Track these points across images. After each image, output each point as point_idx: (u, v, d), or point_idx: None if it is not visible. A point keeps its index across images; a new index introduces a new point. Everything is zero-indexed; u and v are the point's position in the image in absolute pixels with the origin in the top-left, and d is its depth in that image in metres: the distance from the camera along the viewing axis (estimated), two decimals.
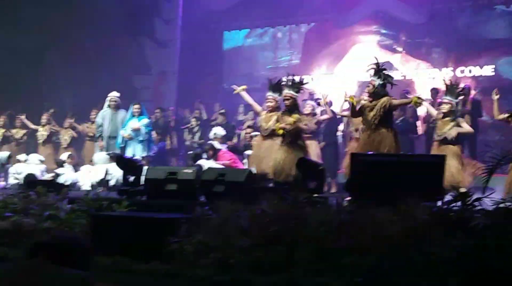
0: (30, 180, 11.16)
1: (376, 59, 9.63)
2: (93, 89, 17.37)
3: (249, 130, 13.80)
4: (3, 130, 15.64)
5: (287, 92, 9.85)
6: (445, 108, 10.30)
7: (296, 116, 9.70)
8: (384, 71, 9.51)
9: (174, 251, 6.49)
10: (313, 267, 5.56)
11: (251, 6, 18.90)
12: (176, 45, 20.37)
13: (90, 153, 14.17)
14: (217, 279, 5.80)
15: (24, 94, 17.09)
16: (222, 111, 15.78)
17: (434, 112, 11.06)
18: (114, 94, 13.34)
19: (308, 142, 11.72)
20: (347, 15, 18.38)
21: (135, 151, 12.80)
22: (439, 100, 13.96)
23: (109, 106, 13.35)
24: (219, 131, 13.19)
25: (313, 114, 12.24)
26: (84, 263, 2.80)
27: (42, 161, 13.69)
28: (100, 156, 12.98)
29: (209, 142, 13.00)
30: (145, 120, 13.00)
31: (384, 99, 9.26)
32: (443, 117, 10.35)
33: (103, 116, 13.35)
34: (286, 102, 9.83)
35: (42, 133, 15.22)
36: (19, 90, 17.10)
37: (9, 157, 13.97)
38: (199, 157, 12.37)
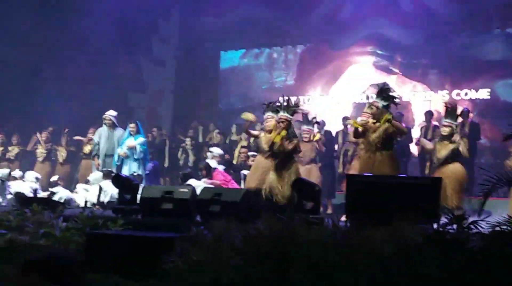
0: (24, 198, 11.15)
1: (387, 85, 9.62)
2: (88, 106, 17.44)
3: (243, 150, 13.83)
4: (1, 148, 15.66)
5: (282, 114, 9.86)
6: (445, 131, 10.32)
7: (278, 137, 9.68)
8: (388, 92, 9.49)
9: (169, 270, 6.48)
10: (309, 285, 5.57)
11: (247, 27, 19.00)
12: (172, 64, 20.43)
13: (86, 171, 14.18)
14: None
15: (18, 110, 17.09)
16: (218, 131, 15.83)
17: (429, 146, 11.13)
18: (109, 113, 13.38)
19: (308, 166, 11.76)
20: (343, 37, 18.45)
21: (130, 169, 12.82)
22: (434, 123, 14.05)
23: (105, 124, 13.40)
24: (216, 150, 13.22)
25: (309, 139, 12.22)
26: (76, 280, 2.81)
27: (38, 179, 13.68)
28: (96, 175, 13.00)
29: (206, 160, 13.03)
30: (141, 139, 13.04)
31: (387, 125, 9.24)
32: (442, 140, 10.37)
33: (100, 134, 13.39)
34: (281, 124, 9.84)
35: (42, 151, 15.24)
36: (13, 106, 17.10)
37: (9, 174, 13.98)
38: (188, 177, 12.38)
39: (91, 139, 14.29)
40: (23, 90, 17.32)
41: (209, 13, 19.71)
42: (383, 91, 9.47)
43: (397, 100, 9.71)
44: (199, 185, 11.36)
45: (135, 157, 12.92)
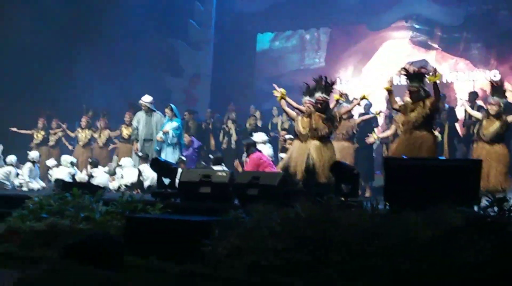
0: (64, 182, 11.28)
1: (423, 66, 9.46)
2: (126, 90, 17.57)
3: (283, 132, 13.80)
4: (42, 132, 15.85)
5: (319, 95, 9.80)
6: (493, 109, 10.10)
7: (320, 120, 9.65)
8: (422, 74, 9.28)
9: (207, 253, 6.52)
10: (344, 269, 5.55)
11: (283, 9, 18.89)
12: (209, 47, 20.45)
13: (123, 155, 14.31)
14: (250, 281, 5.81)
15: (57, 95, 17.27)
16: (257, 114, 15.80)
17: (477, 114, 10.98)
18: (144, 99, 13.44)
19: (343, 143, 11.69)
20: (380, 18, 18.18)
21: (166, 154, 12.88)
22: (478, 103, 13.70)
23: (142, 109, 13.50)
24: (260, 136, 13.08)
25: (350, 116, 12.17)
26: (116, 263, 2.83)
27: (73, 163, 13.82)
28: (127, 160, 13.12)
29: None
30: (174, 123, 13.07)
31: (430, 100, 9.08)
32: (489, 117, 10.20)
33: (138, 119, 13.48)
34: (319, 105, 9.79)
35: (83, 135, 15.40)
36: (52, 91, 17.29)
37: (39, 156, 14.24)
38: (219, 160, 12.36)
39: (129, 124, 14.42)
40: (61, 75, 17.48)
41: None
42: (417, 75, 9.25)
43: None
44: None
45: (168, 142, 12.98)
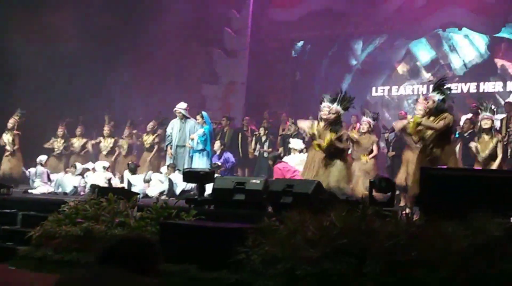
0: (100, 187, 11.36)
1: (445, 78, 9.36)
2: (162, 98, 17.67)
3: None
4: (62, 141, 15.75)
5: (334, 107, 9.86)
6: None
7: (329, 137, 9.64)
8: (444, 86, 9.19)
9: (242, 261, 6.51)
10: (382, 280, 5.49)
11: (318, 17, 18.83)
12: (244, 55, 20.48)
13: (143, 163, 14.43)
14: None
15: (93, 102, 17.40)
16: (293, 121, 15.77)
17: None
18: (179, 106, 13.49)
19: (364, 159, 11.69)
20: (416, 28, 18.01)
21: (194, 161, 12.91)
22: None
23: (177, 116, 13.55)
24: (296, 144, 13.03)
25: (370, 131, 12.09)
26: (154, 269, 2.81)
27: (106, 168, 13.90)
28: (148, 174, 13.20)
29: (278, 152, 12.94)
30: (201, 130, 13.08)
31: (449, 117, 8.94)
32: None
33: (172, 125, 13.53)
34: (331, 115, 9.82)
35: (105, 144, 15.43)
36: (88, 98, 17.43)
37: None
38: (278, 158, 12.22)
39: (152, 132, 14.57)
40: (97, 84, 17.62)
41: (281, 4, 19.66)
42: (440, 85, 9.15)
43: (450, 93, 9.36)
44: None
45: (194, 148, 13.02)
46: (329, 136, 9.65)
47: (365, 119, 12.10)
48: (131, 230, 7.99)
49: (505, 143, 12.68)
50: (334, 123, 9.83)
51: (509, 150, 12.32)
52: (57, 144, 15.61)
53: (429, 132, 8.95)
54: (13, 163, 14.64)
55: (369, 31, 19.06)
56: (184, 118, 13.44)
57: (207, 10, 19.14)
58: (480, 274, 5.00)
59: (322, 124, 10.12)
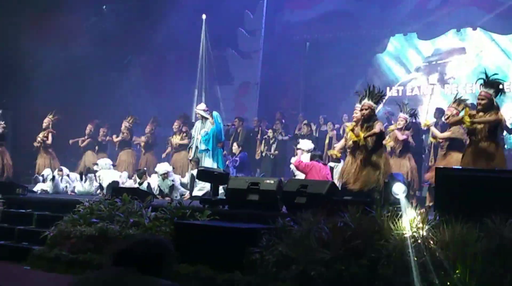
0: (115, 187, 11.38)
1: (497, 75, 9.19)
2: (176, 99, 17.71)
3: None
4: (89, 139, 15.89)
5: (366, 102, 9.68)
6: None
7: (362, 134, 9.49)
8: (496, 81, 9.01)
9: (256, 262, 6.51)
10: (396, 282, 5.48)
11: (333, 18, 18.79)
12: (258, 56, 20.48)
13: (177, 163, 14.39)
14: None
15: (109, 104, 17.47)
16: (306, 122, 15.74)
17: None
18: (198, 107, 13.49)
19: (401, 156, 11.54)
20: (430, 27, 17.91)
21: (204, 161, 12.85)
22: None
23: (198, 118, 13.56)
24: (304, 144, 12.95)
25: (407, 127, 11.90)
26: (168, 271, 2.81)
27: (113, 166, 13.89)
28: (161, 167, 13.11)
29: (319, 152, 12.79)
30: (203, 131, 13.03)
31: (498, 114, 8.81)
32: None
33: (196, 127, 13.50)
34: (364, 111, 9.65)
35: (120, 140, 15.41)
36: (104, 100, 17.50)
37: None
38: (318, 156, 12.09)
39: (178, 131, 14.50)
40: (112, 85, 17.70)
41: (295, 5, 19.65)
42: (490, 81, 8.97)
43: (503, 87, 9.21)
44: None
45: (199, 148, 12.98)
46: (362, 134, 9.46)
47: (402, 115, 11.94)
48: (145, 230, 8.02)
49: None
50: (369, 119, 9.62)
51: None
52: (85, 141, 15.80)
53: (480, 127, 8.84)
54: (48, 159, 14.82)
55: (383, 32, 19.00)
56: (203, 119, 13.41)
57: (221, 11, 19.15)
58: (494, 277, 4.96)
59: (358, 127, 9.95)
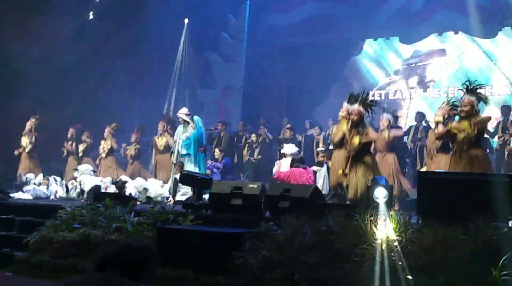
0: (97, 193, 11.31)
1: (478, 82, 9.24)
2: (159, 103, 17.67)
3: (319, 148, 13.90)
4: (70, 142, 15.77)
5: (356, 107, 9.73)
6: None
7: (357, 139, 9.53)
8: (478, 89, 9.07)
9: (239, 266, 6.50)
10: (379, 285, 5.49)
11: (316, 22, 18.83)
12: (241, 60, 20.47)
13: (161, 166, 14.34)
14: None
15: (92, 108, 17.39)
16: (289, 126, 15.76)
17: None
18: (181, 111, 13.44)
19: (384, 154, 11.55)
20: (413, 30, 17.98)
21: (186, 165, 12.81)
22: None
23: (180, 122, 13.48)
24: (289, 148, 12.95)
25: (390, 127, 11.98)
26: (151, 275, 2.80)
27: (94, 172, 13.82)
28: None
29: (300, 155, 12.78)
30: (184, 135, 12.98)
31: (480, 118, 8.86)
32: None
33: (177, 131, 13.44)
34: (354, 117, 9.69)
35: (104, 146, 15.28)
36: (87, 104, 17.41)
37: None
38: (299, 161, 12.05)
39: (162, 133, 14.45)
40: (95, 89, 17.61)
41: (278, 9, 19.67)
42: (473, 87, 9.05)
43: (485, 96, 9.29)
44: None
45: (180, 153, 12.94)
46: (357, 140, 9.51)
47: (385, 115, 12.00)
48: (128, 235, 7.97)
49: (500, 143, 12.76)
50: (358, 124, 9.67)
51: (506, 152, 12.34)
52: (67, 145, 15.68)
53: (462, 135, 8.87)
54: (31, 164, 14.71)
55: (365, 36, 19.09)
56: (185, 123, 13.37)
57: (204, 15, 19.16)
58: (478, 280, 4.99)
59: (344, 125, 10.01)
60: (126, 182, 12.74)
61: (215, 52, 20.44)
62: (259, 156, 15.62)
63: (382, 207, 6.69)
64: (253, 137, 15.91)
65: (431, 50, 18.15)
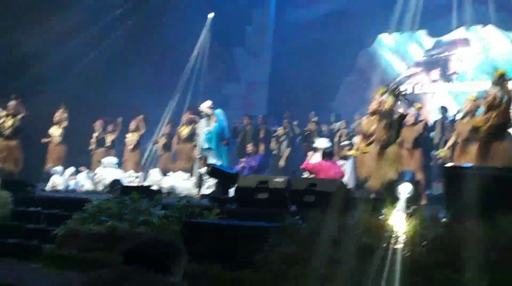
0: (123, 186, 11.38)
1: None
2: (184, 97, 17.74)
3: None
4: (97, 134, 15.82)
5: (386, 97, 9.70)
6: None
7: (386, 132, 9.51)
8: (505, 80, 8.94)
9: (265, 260, 6.50)
10: (405, 281, 5.46)
11: (341, 16, 18.75)
12: (267, 53, 20.46)
13: (183, 156, 14.39)
14: None
15: (115, 101, 17.46)
16: (315, 119, 15.73)
17: None
18: (203, 104, 13.43)
19: (411, 150, 11.45)
20: (439, 23, 17.80)
21: (210, 159, 12.81)
22: None
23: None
24: (321, 143, 12.84)
25: (416, 123, 11.90)
26: (178, 269, 2.81)
27: (117, 164, 13.86)
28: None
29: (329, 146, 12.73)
30: (206, 129, 12.97)
31: (502, 109, 8.76)
32: None
33: (200, 125, 13.47)
34: (385, 106, 9.68)
35: (131, 138, 15.30)
36: (110, 97, 17.49)
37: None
38: (330, 155, 11.99)
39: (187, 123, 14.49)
40: (119, 83, 17.70)
41: (303, 3, 19.60)
42: (500, 77, 8.91)
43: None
44: None
45: (202, 147, 12.95)
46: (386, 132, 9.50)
47: (411, 111, 11.91)
48: (154, 229, 8.01)
49: None
50: (388, 114, 9.65)
51: None
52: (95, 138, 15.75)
53: (485, 128, 8.77)
54: (60, 156, 14.86)
55: (392, 29, 18.92)
56: (208, 116, 13.37)
57: (228, 9, 19.16)
58: (508, 276, 4.94)
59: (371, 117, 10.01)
60: (119, 182, 12.70)
61: (240, 47, 20.43)
62: (288, 149, 15.55)
63: (406, 203, 6.65)
64: (280, 130, 15.87)
65: (453, 40, 17.88)
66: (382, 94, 9.88)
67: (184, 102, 17.46)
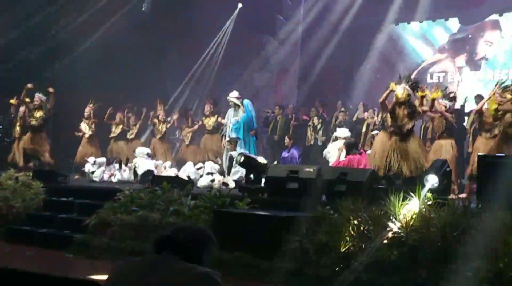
0: (154, 176, 11.41)
1: None
2: (214, 86, 17.76)
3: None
4: (120, 126, 15.84)
5: (405, 87, 9.67)
6: None
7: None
8: None
9: (295, 249, 6.50)
10: (437, 270, 5.42)
11: (372, 3, 18.56)
12: (297, 42, 20.35)
13: (208, 145, 14.45)
14: (340, 279, 5.75)
15: (148, 91, 17.52)
16: (343, 109, 15.64)
17: None
18: (231, 95, 13.42)
19: (442, 141, 11.33)
20: (472, 12, 17.54)
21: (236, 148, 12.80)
22: None
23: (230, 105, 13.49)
24: (342, 132, 12.83)
25: (448, 112, 11.75)
26: (209, 258, 2.81)
27: (149, 155, 13.89)
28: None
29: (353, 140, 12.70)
30: (234, 119, 12.96)
31: None
32: None
33: (228, 115, 13.48)
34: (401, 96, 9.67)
35: (158, 128, 15.34)
36: (143, 87, 17.55)
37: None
38: (353, 146, 11.95)
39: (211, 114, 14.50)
40: (150, 71, 17.76)
41: None
42: None
43: None
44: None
45: (231, 136, 12.94)
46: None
47: (441, 101, 11.79)
48: (185, 218, 8.05)
49: None
50: (407, 103, 9.65)
51: None
52: (116, 129, 15.77)
53: (509, 116, 8.70)
54: (92, 149, 14.93)
55: (423, 17, 18.69)
56: (236, 106, 13.38)
57: None
58: None
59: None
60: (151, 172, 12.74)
61: (271, 35, 20.36)
62: (324, 137, 15.48)
63: (435, 193, 6.61)
64: (315, 119, 15.79)
65: (481, 23, 17.50)
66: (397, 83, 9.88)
67: (211, 93, 17.48)
